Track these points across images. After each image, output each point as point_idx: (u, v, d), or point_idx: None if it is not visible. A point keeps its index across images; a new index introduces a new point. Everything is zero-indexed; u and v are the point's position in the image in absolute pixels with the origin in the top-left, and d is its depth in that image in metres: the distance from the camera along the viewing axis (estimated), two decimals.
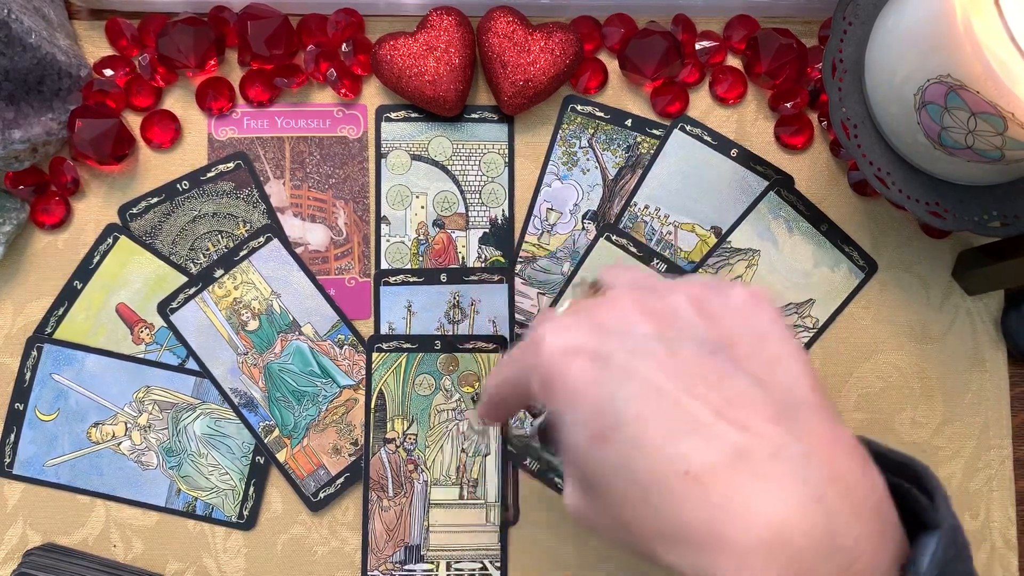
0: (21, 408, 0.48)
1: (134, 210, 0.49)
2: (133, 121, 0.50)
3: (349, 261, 0.50)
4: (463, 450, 0.46)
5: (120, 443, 0.48)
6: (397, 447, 0.46)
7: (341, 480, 0.48)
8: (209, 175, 0.50)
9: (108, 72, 0.49)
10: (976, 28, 0.36)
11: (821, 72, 0.47)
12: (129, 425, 0.48)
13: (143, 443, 0.48)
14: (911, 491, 0.27)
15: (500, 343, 0.46)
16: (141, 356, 0.48)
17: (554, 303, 0.50)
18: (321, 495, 0.48)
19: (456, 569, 0.46)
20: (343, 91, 0.49)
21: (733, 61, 0.51)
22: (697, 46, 0.50)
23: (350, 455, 0.48)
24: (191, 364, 0.48)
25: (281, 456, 0.48)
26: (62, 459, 0.48)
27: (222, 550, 0.48)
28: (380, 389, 0.46)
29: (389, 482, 0.46)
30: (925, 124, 0.41)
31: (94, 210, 0.49)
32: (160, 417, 0.48)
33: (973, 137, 0.39)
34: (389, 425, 0.46)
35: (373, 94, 0.50)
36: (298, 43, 0.50)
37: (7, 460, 0.48)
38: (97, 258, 0.49)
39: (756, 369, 0.28)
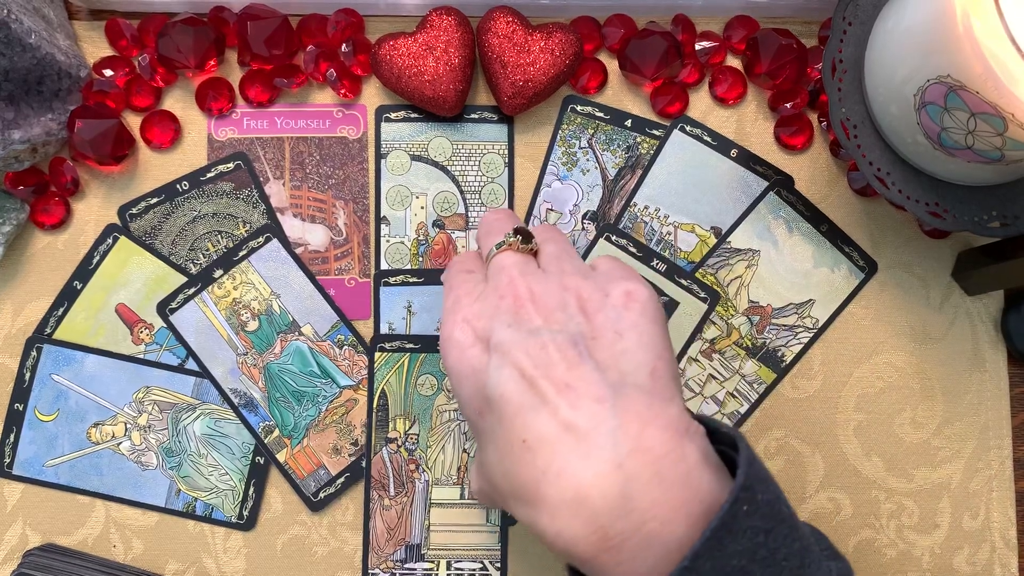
0: (21, 408, 0.48)
1: (134, 210, 0.49)
2: (133, 121, 0.50)
3: (349, 261, 0.50)
4: (464, 450, 0.46)
5: (120, 443, 0.48)
6: (399, 447, 0.46)
7: (341, 480, 0.48)
8: (209, 175, 0.50)
9: (108, 72, 0.49)
10: (976, 28, 0.36)
11: (821, 72, 0.47)
12: (129, 425, 0.48)
13: (143, 443, 0.48)
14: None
15: None
16: (141, 356, 0.48)
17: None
18: (321, 495, 0.48)
19: (456, 568, 0.46)
20: (343, 91, 0.49)
21: (733, 61, 0.51)
22: (697, 46, 0.50)
23: (350, 455, 0.48)
24: (191, 364, 0.48)
25: (281, 456, 0.48)
26: (62, 459, 0.48)
27: (222, 550, 0.48)
28: (382, 389, 0.46)
29: (391, 481, 0.46)
30: (925, 124, 0.41)
31: (94, 210, 0.49)
32: (160, 417, 0.48)
33: (973, 138, 0.39)
34: (391, 425, 0.46)
35: (373, 94, 0.50)
36: (298, 43, 0.50)
37: (7, 460, 0.48)
38: (97, 258, 0.49)
39: (606, 358, 0.32)
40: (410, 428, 0.46)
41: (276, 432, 0.48)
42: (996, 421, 0.49)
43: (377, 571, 0.46)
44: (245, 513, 0.48)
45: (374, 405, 0.46)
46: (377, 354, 0.46)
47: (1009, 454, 0.49)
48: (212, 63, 0.49)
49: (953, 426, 0.49)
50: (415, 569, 0.46)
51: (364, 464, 0.46)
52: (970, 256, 0.49)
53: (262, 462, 0.48)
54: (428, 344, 0.47)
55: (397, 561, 0.46)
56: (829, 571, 0.30)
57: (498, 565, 0.46)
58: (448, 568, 0.46)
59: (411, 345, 0.47)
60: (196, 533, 0.48)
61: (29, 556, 0.46)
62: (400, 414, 0.47)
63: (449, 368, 0.35)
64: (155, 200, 0.49)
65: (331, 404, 0.48)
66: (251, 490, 0.48)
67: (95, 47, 0.50)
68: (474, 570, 0.46)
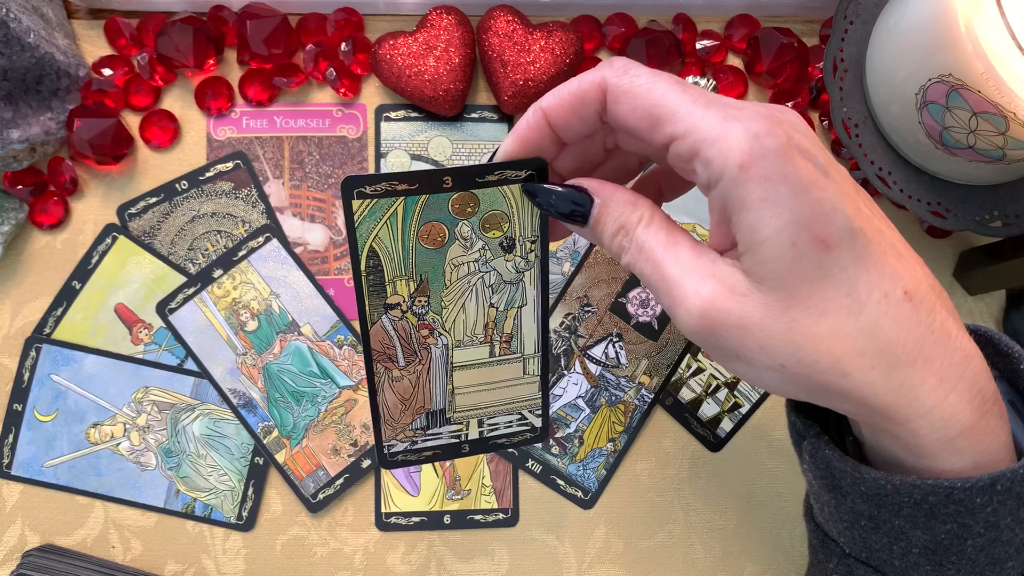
0: (20, 409, 0.48)
1: (133, 210, 0.49)
2: (132, 121, 0.50)
3: (348, 261, 0.49)
4: (492, 304, 0.37)
5: (119, 444, 0.48)
6: (404, 312, 0.37)
7: (340, 481, 0.48)
8: (208, 175, 0.49)
9: (107, 71, 0.49)
10: (977, 27, 0.36)
11: (822, 71, 0.47)
12: (128, 426, 0.48)
13: (142, 444, 0.48)
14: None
15: (534, 167, 0.33)
16: (140, 356, 0.48)
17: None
18: (320, 496, 0.48)
19: (490, 424, 0.39)
20: (342, 90, 0.49)
21: (734, 60, 0.51)
22: (698, 45, 0.50)
23: (349, 456, 0.48)
24: (190, 364, 0.48)
25: (280, 457, 0.48)
26: (61, 460, 0.48)
27: (221, 551, 0.48)
28: (371, 246, 0.35)
29: (399, 351, 0.37)
30: (926, 124, 0.41)
31: (93, 210, 0.49)
32: (159, 418, 0.48)
33: (974, 137, 0.39)
34: (390, 289, 0.37)
35: (372, 94, 0.50)
36: (297, 42, 0.50)
37: (6, 461, 0.48)
38: (96, 258, 0.49)
39: None
40: (415, 290, 0.37)
41: (275, 432, 0.48)
42: None
43: (394, 442, 0.39)
44: (244, 514, 0.48)
45: (360, 268, 0.35)
46: (355, 202, 0.34)
47: None
48: (211, 62, 0.49)
49: None
50: (440, 433, 0.38)
51: (360, 336, 0.36)
52: (971, 256, 0.49)
53: (261, 463, 0.48)
54: (428, 181, 0.34)
55: (418, 429, 0.39)
56: None
57: (538, 413, 0.40)
58: (480, 425, 0.39)
59: (404, 186, 0.34)
60: (195, 534, 0.48)
61: (28, 556, 0.46)
62: (400, 275, 0.37)
63: (779, 177, 0.26)
64: (154, 200, 0.49)
65: (330, 404, 0.48)
66: (250, 491, 0.48)
67: (94, 46, 0.50)
68: (511, 421, 0.39)
